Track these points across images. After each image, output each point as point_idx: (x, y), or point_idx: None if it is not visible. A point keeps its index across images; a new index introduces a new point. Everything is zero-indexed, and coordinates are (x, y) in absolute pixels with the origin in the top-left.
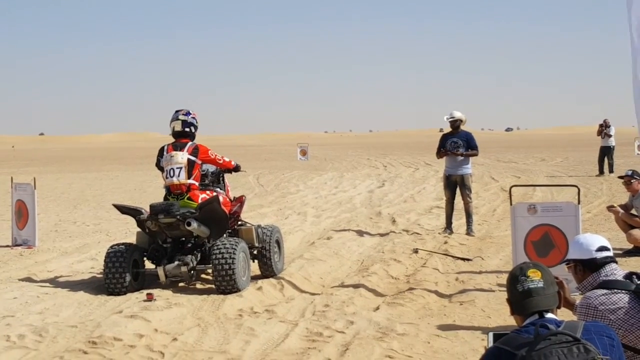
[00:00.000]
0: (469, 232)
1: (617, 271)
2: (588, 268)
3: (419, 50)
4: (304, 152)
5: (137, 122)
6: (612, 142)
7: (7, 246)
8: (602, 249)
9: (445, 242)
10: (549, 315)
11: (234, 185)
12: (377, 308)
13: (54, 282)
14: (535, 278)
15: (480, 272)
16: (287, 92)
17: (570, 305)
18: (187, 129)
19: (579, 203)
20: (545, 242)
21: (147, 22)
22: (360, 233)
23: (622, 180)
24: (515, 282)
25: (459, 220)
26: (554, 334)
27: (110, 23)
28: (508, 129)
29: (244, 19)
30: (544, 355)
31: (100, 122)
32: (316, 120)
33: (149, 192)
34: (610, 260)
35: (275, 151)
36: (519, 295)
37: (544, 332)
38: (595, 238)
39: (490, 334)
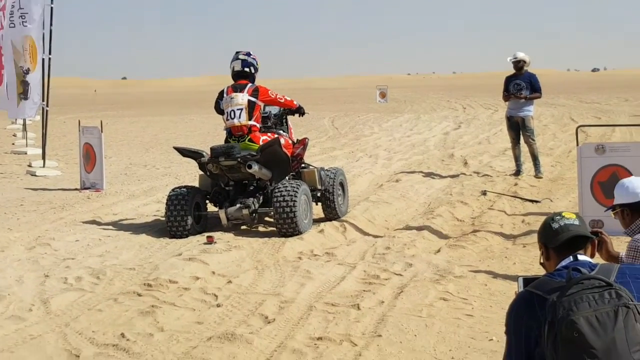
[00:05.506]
0: (537, 174)
1: None
2: (636, 211)
3: None
4: (383, 95)
5: (217, 65)
6: None
7: (76, 189)
8: None
9: (515, 184)
10: (583, 257)
11: (308, 128)
12: (438, 250)
13: (118, 225)
14: (571, 217)
15: (547, 214)
16: (370, 34)
17: (614, 259)
18: (246, 69)
19: None
20: (613, 182)
21: None
22: (430, 175)
23: None
24: (550, 222)
25: (530, 162)
26: (587, 278)
27: None
28: (594, 69)
29: None
30: (574, 302)
31: (184, 66)
32: (399, 62)
33: (222, 135)
34: None
35: (355, 94)
36: (555, 231)
37: (576, 276)
38: None
39: (520, 279)
